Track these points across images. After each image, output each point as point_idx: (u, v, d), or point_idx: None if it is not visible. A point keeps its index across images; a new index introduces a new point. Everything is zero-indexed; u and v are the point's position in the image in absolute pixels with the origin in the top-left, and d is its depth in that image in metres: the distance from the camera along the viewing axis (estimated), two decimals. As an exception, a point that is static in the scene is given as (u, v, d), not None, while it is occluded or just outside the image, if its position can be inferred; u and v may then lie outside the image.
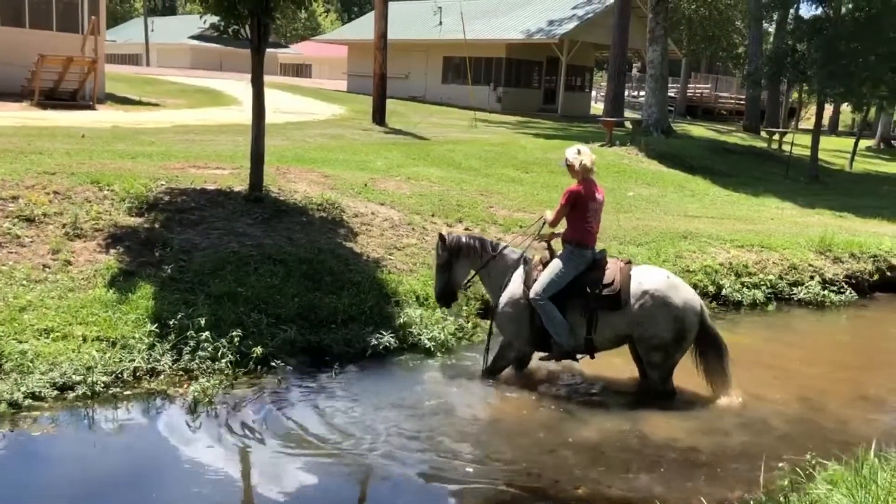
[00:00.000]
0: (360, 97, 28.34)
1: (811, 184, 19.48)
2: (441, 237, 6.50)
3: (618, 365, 6.58)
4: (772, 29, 36.73)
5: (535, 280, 6.12)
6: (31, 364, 5.59)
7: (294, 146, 14.59)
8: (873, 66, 18.45)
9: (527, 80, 33.62)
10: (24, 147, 10.88)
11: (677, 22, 36.41)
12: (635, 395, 6.26)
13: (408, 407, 5.91)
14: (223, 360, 6.06)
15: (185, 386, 5.81)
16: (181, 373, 5.97)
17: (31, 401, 5.33)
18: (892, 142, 37.67)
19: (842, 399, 6.59)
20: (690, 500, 4.64)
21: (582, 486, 4.85)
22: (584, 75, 35.65)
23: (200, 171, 10.24)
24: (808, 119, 36.76)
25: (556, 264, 6.10)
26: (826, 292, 9.77)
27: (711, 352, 6.18)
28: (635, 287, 5.97)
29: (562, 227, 6.22)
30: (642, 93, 31.74)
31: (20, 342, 5.78)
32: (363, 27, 34.82)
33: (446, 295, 6.62)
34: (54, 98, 18.63)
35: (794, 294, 9.68)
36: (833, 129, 42.88)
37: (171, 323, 6.26)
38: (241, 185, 9.30)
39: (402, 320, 7.19)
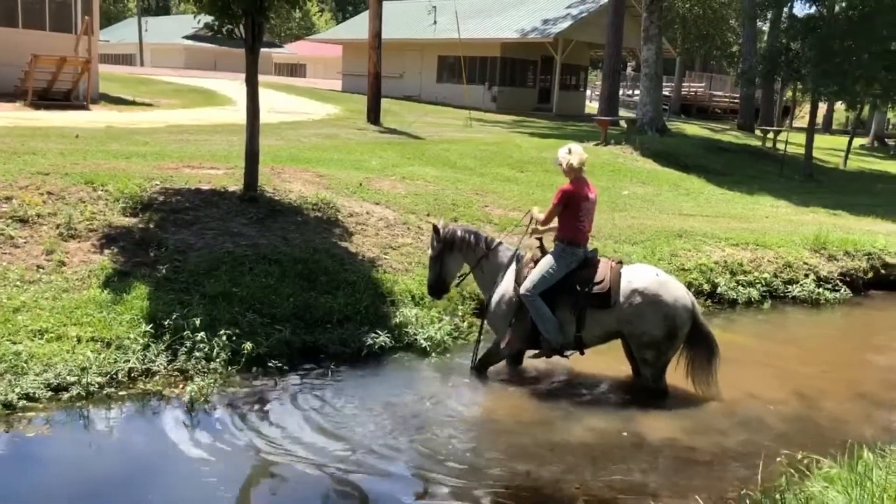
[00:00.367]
0: (355, 97, 28.30)
1: (805, 182, 19.53)
2: (435, 228, 6.53)
3: (612, 364, 6.59)
4: (766, 27, 36.77)
5: (526, 277, 6.13)
6: (25, 365, 5.57)
7: (289, 146, 14.56)
8: (867, 65, 18.50)
9: (521, 79, 33.62)
10: (18, 147, 10.84)
11: (671, 21, 36.43)
12: (629, 394, 6.26)
13: (402, 407, 5.90)
14: (218, 361, 6.04)
15: (181, 386, 5.80)
16: (176, 373, 5.96)
17: (25, 402, 5.31)
18: (886, 140, 37.79)
19: (837, 397, 6.61)
20: (687, 497, 4.64)
21: (580, 485, 4.85)
22: (578, 74, 35.67)
23: (195, 171, 10.22)
24: (802, 117, 36.87)
25: (547, 261, 6.12)
26: (821, 290, 9.80)
27: (701, 349, 6.20)
28: (625, 285, 5.99)
29: (553, 223, 6.24)
30: (637, 92, 31.77)
31: (14, 343, 5.76)
32: (357, 26, 34.76)
33: (438, 287, 6.65)
34: (48, 98, 18.56)
35: (789, 292, 9.70)
36: (827, 128, 43.04)
37: (166, 323, 6.24)
38: (235, 184, 9.28)
39: (397, 320, 7.19)
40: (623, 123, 22.05)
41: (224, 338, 6.15)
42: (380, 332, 6.88)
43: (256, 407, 5.70)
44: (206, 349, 6.07)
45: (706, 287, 9.25)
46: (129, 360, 5.89)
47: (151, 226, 7.96)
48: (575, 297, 6.03)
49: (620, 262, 6.25)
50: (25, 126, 14.14)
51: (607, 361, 6.60)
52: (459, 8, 27.87)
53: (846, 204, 15.77)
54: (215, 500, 4.63)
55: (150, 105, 22.23)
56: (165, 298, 6.68)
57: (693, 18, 38.84)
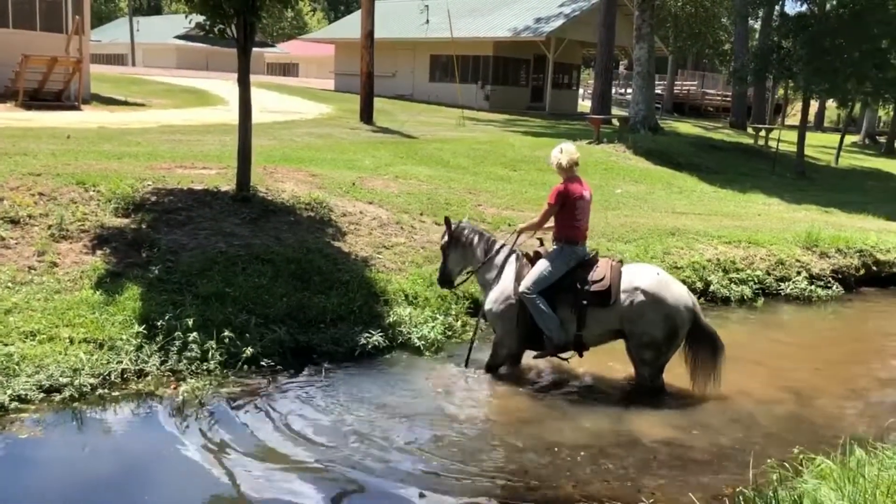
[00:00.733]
0: (348, 96, 28.27)
1: (797, 179, 19.61)
2: (447, 220, 6.67)
3: (607, 363, 6.60)
4: (757, 26, 36.89)
5: (526, 276, 6.15)
6: (17, 367, 5.54)
7: (281, 145, 14.54)
8: (858, 63, 18.59)
9: (514, 78, 33.65)
10: (9, 148, 10.78)
11: (664, 19, 36.51)
12: (625, 393, 6.27)
13: (396, 406, 5.89)
14: (211, 361, 6.03)
15: (174, 387, 5.78)
16: (169, 374, 5.94)
17: (17, 403, 5.28)
18: (877, 137, 37.95)
19: (829, 393, 6.64)
20: (682, 495, 4.65)
21: (575, 484, 4.86)
22: (571, 73, 35.72)
23: (187, 171, 10.19)
24: (793, 115, 37.03)
25: (546, 260, 6.15)
26: (813, 287, 9.85)
27: (703, 348, 6.19)
28: (626, 284, 6.00)
29: (550, 223, 6.26)
30: (629, 90, 31.84)
31: (6, 345, 5.73)
32: (350, 26, 34.74)
33: (443, 278, 6.84)
34: (39, 98, 18.48)
35: (782, 289, 9.74)
36: (819, 125, 43.20)
37: (158, 324, 6.22)
38: (228, 184, 9.25)
39: (391, 319, 7.18)
40: (615, 122, 22.10)
41: (217, 338, 6.13)
42: (373, 332, 6.87)
43: (249, 407, 5.68)
44: (199, 350, 6.05)
45: (699, 285, 9.26)
46: (121, 361, 5.87)
47: (144, 226, 7.93)
48: (575, 296, 6.04)
49: (621, 261, 6.28)
50: (16, 127, 14.08)
51: (602, 361, 6.61)
52: (452, 7, 27.87)
53: (838, 201, 15.85)
54: (208, 500, 4.62)
55: (141, 105, 22.17)
56: (158, 299, 6.66)
57: (685, 17, 38.97)
